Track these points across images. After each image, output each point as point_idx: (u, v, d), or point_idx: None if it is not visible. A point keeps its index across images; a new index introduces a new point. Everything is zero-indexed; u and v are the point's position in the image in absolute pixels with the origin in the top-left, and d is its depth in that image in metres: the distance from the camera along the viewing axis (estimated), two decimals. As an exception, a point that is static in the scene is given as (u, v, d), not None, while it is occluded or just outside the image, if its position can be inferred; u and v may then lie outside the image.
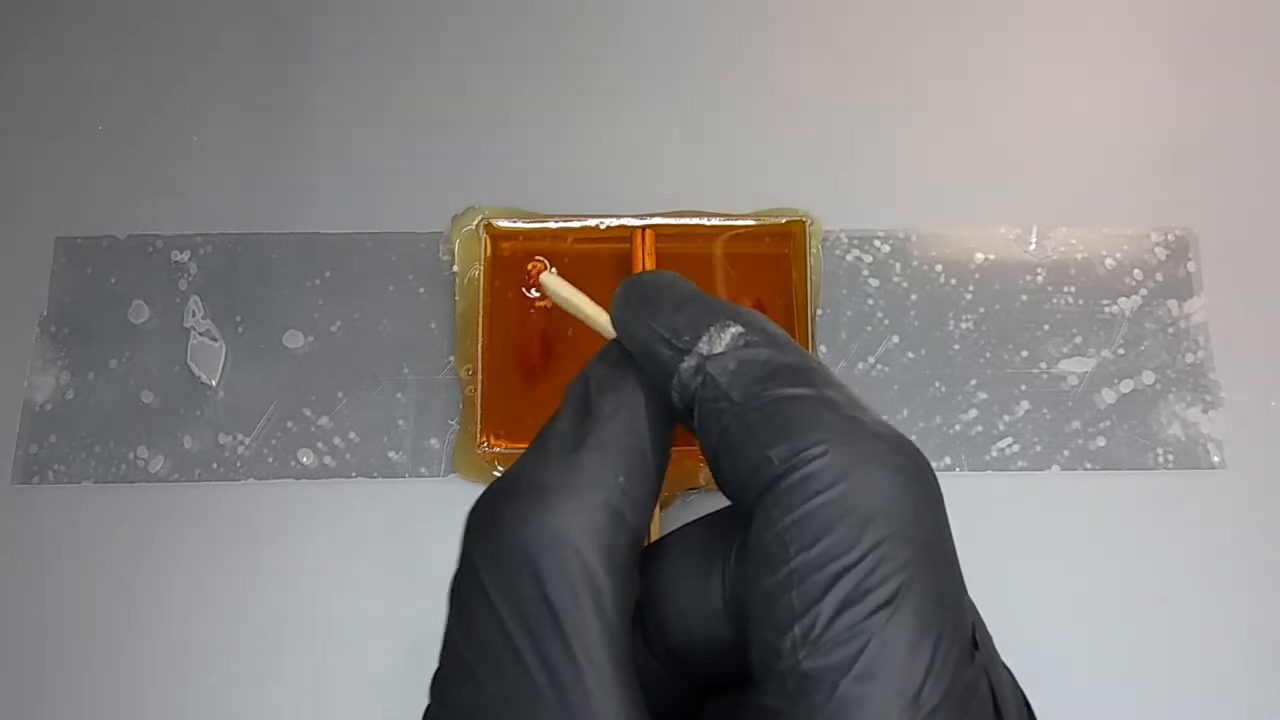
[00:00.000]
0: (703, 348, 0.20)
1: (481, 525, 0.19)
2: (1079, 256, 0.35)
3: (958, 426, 0.33)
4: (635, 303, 0.21)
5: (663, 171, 0.36)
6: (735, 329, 0.20)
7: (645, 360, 0.21)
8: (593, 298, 0.33)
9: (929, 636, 0.17)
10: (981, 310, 0.34)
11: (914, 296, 0.34)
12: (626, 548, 0.19)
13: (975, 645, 0.18)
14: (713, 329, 0.20)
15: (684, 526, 0.22)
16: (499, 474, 0.32)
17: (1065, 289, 0.34)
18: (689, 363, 0.20)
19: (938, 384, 0.34)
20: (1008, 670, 0.20)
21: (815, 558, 0.17)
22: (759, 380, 0.19)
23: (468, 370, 0.33)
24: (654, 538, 0.29)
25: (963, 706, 0.17)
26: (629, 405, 0.20)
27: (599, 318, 0.26)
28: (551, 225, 0.33)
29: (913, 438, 0.32)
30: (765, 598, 0.18)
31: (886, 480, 0.18)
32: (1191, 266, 0.35)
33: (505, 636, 0.18)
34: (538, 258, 0.32)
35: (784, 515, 0.18)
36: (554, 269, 0.32)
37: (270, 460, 0.33)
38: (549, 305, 0.32)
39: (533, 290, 0.32)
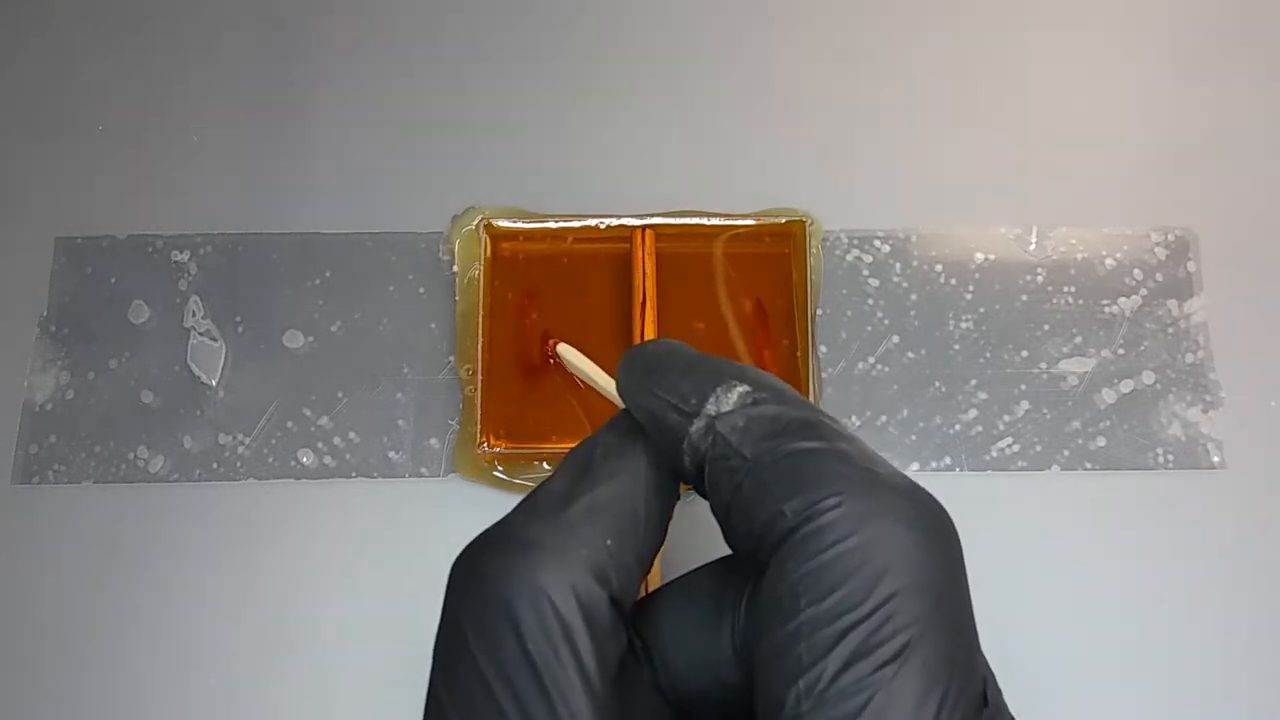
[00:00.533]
0: (710, 409, 0.20)
1: (465, 576, 0.19)
2: (1079, 256, 0.35)
3: (958, 426, 0.33)
4: (639, 372, 0.21)
5: (663, 171, 0.36)
6: (742, 388, 0.20)
7: (654, 428, 0.21)
8: (594, 298, 0.33)
9: (935, 692, 0.17)
10: (981, 310, 0.34)
11: (914, 296, 0.34)
12: (608, 608, 0.19)
13: (985, 701, 0.18)
14: (719, 390, 0.20)
15: (693, 573, 0.22)
16: (499, 474, 0.32)
17: (1065, 289, 0.34)
18: (698, 425, 0.20)
19: (938, 384, 0.34)
20: None
21: (826, 611, 0.17)
22: (769, 436, 0.19)
23: (468, 370, 0.33)
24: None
25: None
26: (629, 472, 0.20)
27: (610, 387, 0.27)
28: (551, 225, 0.34)
29: (912, 438, 0.33)
30: (774, 650, 0.18)
31: (902, 533, 0.18)
32: (1191, 266, 0.35)
33: (487, 691, 0.18)
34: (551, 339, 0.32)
35: (798, 567, 0.18)
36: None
37: (270, 460, 0.33)
38: (555, 362, 0.32)
39: (552, 360, 0.32)
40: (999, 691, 0.19)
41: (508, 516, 0.20)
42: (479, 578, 0.19)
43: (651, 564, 0.21)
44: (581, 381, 0.31)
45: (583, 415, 0.32)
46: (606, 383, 0.28)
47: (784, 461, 0.19)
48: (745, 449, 0.19)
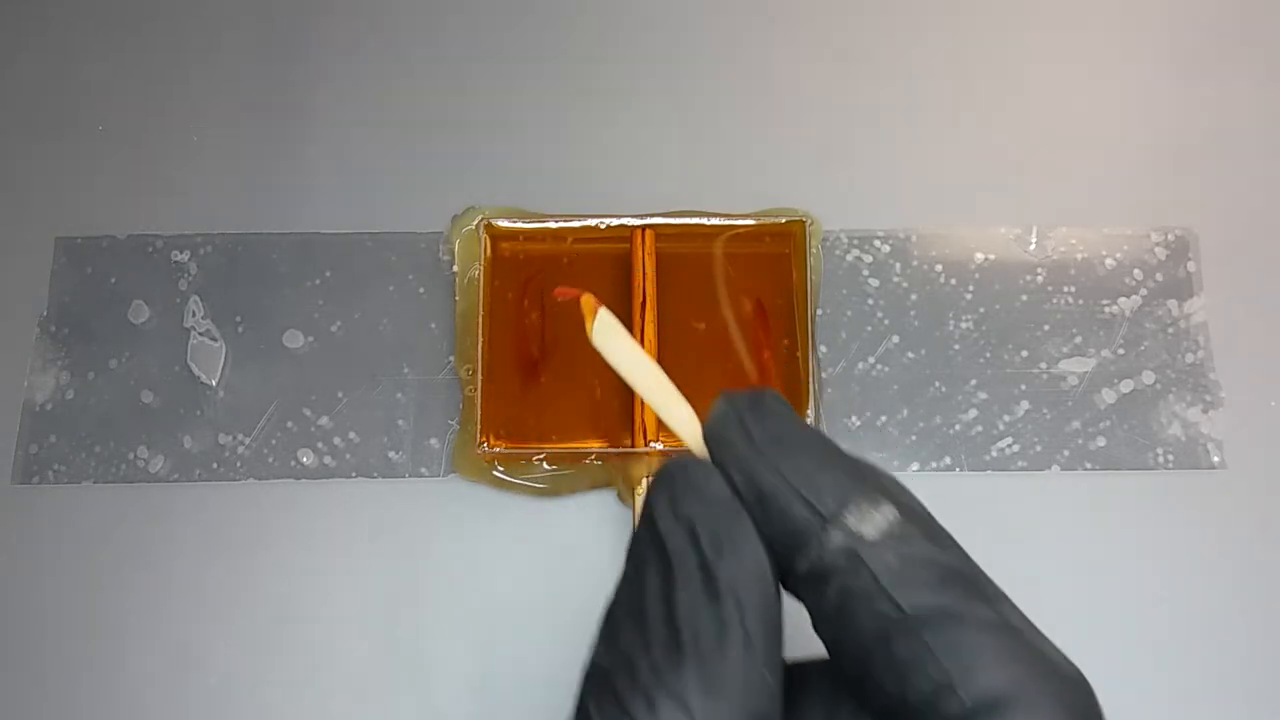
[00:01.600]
0: (851, 522, 0.17)
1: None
2: (1079, 256, 0.35)
3: (958, 426, 0.33)
4: (762, 438, 0.18)
5: (663, 171, 0.36)
6: (888, 509, 0.18)
7: (767, 511, 0.18)
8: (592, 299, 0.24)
9: None
10: (981, 310, 0.34)
11: (914, 296, 0.34)
12: None
13: None
14: (863, 502, 0.18)
15: (801, 674, 0.19)
16: (499, 474, 0.32)
17: (1065, 289, 0.34)
18: (837, 541, 0.17)
19: (938, 384, 0.34)
20: None
21: None
22: (929, 588, 0.17)
23: (468, 370, 0.33)
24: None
25: None
26: (760, 578, 0.18)
27: (676, 412, 0.21)
28: (551, 225, 0.33)
29: (912, 438, 0.33)
30: None
31: None
32: (1191, 266, 0.35)
33: None
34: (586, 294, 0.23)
35: None
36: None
37: (270, 460, 0.33)
38: (556, 304, 0.32)
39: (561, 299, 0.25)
40: None
41: (643, 648, 0.17)
42: None
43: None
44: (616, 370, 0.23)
45: (586, 417, 0.32)
46: (672, 405, 0.21)
47: (952, 631, 0.17)
48: (900, 597, 0.17)
